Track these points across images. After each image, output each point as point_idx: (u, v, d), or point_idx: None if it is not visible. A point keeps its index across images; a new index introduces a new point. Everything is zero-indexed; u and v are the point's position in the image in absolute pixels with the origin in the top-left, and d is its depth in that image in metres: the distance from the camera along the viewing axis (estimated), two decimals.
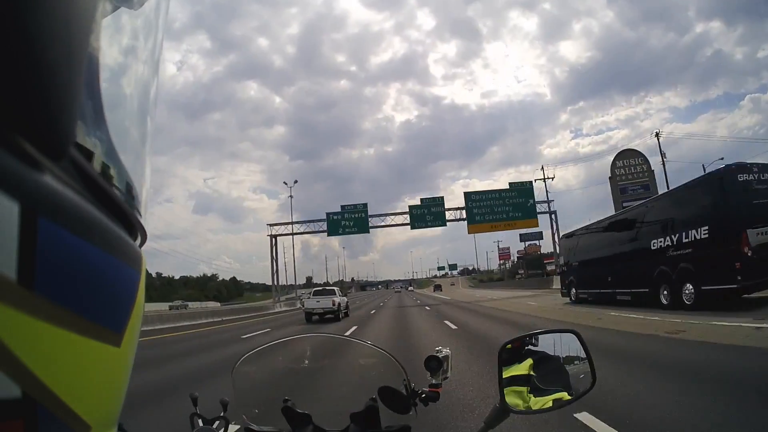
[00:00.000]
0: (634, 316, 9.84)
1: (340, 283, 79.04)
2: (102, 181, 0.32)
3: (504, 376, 0.85)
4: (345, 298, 19.93)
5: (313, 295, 18.09)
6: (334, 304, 16.80)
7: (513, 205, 30.43)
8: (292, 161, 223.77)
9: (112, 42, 0.37)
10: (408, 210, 32.20)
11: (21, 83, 0.24)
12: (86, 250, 0.29)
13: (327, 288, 19.94)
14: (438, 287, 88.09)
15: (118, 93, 0.38)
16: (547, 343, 0.88)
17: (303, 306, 17.78)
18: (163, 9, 0.45)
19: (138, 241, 0.40)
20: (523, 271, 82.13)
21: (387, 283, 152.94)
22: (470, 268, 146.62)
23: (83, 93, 0.29)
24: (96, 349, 0.30)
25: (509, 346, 0.88)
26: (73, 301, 0.28)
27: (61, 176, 0.28)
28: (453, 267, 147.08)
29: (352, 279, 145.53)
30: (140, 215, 0.40)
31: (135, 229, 0.39)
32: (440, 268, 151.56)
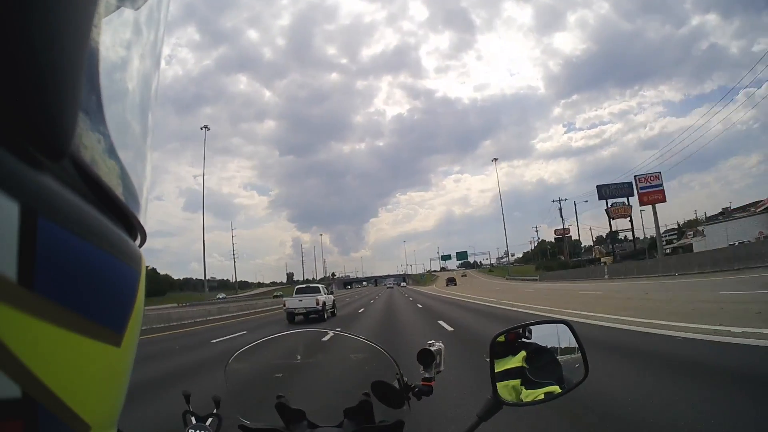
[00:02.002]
0: None
1: (316, 281, 75.33)
2: (102, 181, 0.32)
3: (497, 369, 0.86)
4: (332, 297, 19.74)
5: (296, 293, 17.90)
6: (318, 303, 16.62)
7: None
8: (282, 156, 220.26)
9: (113, 41, 0.37)
10: None
11: (21, 83, 0.24)
12: (86, 250, 0.29)
13: (311, 286, 19.67)
14: (451, 281, 71.77)
15: (119, 92, 0.38)
16: (540, 335, 0.89)
17: (285, 306, 17.53)
18: (164, 7, 0.45)
19: (138, 241, 0.40)
20: (563, 257, 63.01)
21: (375, 280, 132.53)
22: (471, 261, 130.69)
23: (83, 92, 0.29)
24: (96, 349, 0.30)
25: (502, 338, 0.89)
26: (73, 301, 0.28)
27: (61, 176, 0.28)
28: (462, 256, 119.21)
29: (333, 275, 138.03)
30: (140, 215, 0.39)
31: (135, 228, 0.39)
32: (444, 258, 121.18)
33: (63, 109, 0.27)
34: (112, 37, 0.36)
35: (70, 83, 0.27)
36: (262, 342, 0.95)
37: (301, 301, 16.91)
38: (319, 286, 19.38)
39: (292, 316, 16.86)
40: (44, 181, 0.26)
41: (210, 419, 0.82)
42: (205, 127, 50.82)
